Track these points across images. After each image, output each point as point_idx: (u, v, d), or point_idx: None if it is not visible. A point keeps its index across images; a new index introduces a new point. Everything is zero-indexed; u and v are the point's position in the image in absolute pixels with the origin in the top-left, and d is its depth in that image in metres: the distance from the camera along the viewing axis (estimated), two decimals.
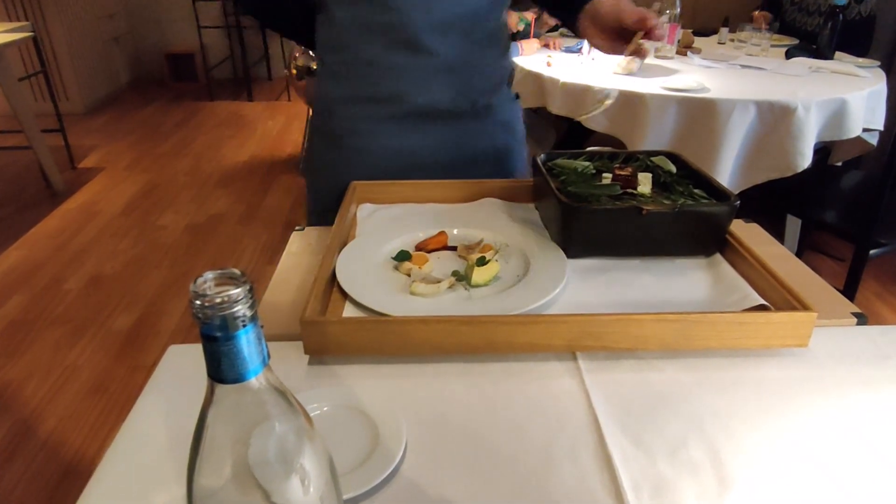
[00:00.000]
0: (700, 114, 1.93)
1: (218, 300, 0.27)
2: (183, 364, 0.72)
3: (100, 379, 1.94)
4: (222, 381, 0.29)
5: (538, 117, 2.52)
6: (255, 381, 0.29)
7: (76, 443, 1.70)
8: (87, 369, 1.98)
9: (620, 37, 0.92)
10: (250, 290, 0.28)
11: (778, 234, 2.46)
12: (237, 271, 0.28)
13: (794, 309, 0.68)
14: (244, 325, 0.28)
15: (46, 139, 3.22)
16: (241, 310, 0.27)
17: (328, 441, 0.58)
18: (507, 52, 1.15)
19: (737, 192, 2.06)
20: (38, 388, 1.90)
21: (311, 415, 0.59)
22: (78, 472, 1.63)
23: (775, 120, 1.90)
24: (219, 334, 0.27)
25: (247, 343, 0.28)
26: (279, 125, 4.44)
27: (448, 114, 1.07)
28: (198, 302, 0.27)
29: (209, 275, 0.28)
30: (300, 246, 0.96)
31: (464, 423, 0.60)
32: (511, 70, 1.17)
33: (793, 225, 2.28)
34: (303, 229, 1.01)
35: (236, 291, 0.27)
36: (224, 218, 3.00)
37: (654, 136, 1.96)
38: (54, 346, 2.08)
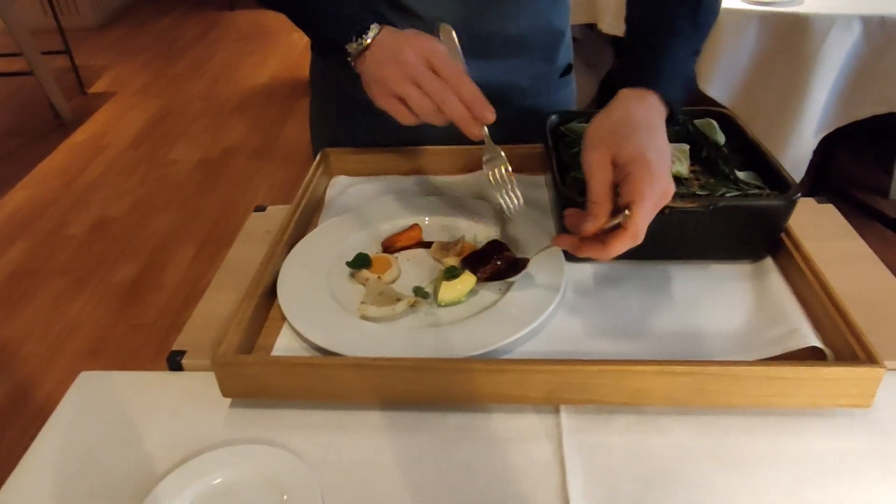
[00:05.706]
0: (789, 33, 1.68)
1: None
2: (92, 395, 0.66)
3: (99, 338, 1.98)
4: None
5: (593, 33, 2.29)
6: None
7: None
8: (87, 326, 2.02)
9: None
10: None
11: (883, 182, 2.20)
12: None
13: (854, 360, 0.56)
14: None
15: (54, 60, 3.19)
16: None
17: None
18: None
19: (833, 130, 1.84)
20: (38, 347, 1.95)
21: (212, 483, 0.53)
22: None
23: (886, 40, 1.65)
24: None
25: None
26: (304, 38, 4.27)
27: None
28: None
29: None
30: (257, 233, 0.87)
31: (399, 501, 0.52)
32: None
33: None
34: (264, 209, 0.93)
35: None
36: (238, 151, 2.96)
37: (728, 63, 1.73)
38: (55, 300, 2.12)
